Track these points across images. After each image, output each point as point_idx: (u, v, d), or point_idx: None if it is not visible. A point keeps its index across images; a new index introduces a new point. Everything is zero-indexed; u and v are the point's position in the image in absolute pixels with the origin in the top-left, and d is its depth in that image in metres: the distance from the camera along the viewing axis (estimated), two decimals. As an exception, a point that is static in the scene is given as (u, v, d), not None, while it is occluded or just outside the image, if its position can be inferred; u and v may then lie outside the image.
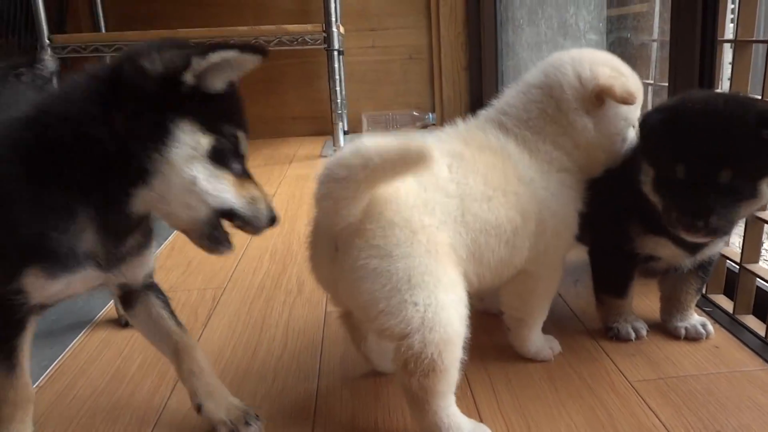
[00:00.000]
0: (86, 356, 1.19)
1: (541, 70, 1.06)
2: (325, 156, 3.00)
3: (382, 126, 3.58)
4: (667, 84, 1.35)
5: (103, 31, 3.43)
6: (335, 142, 2.99)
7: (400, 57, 3.56)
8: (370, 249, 0.81)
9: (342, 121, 3.04)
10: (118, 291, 0.94)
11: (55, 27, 3.17)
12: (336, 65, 2.92)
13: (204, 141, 0.78)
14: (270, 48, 2.85)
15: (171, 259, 1.69)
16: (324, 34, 2.84)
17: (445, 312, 0.81)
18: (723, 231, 0.94)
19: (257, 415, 0.93)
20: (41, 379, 1.11)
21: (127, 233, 0.83)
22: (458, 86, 3.52)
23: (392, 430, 0.93)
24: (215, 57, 0.77)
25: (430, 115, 3.57)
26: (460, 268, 0.89)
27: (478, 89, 3.39)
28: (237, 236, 1.87)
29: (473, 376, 1.04)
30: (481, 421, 0.92)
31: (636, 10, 1.70)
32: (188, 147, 0.77)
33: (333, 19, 2.83)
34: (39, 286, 0.78)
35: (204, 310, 1.36)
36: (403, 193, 0.85)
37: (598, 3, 1.92)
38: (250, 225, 0.83)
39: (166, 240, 1.83)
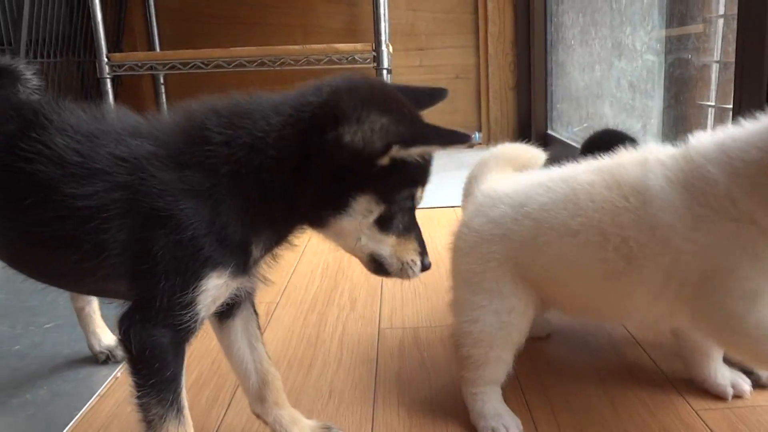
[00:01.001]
0: (145, 366, 1.21)
1: None
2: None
3: (428, 145, 3.59)
4: (731, 106, 1.32)
5: (158, 49, 3.52)
6: (382, 160, 3.00)
7: (447, 76, 3.57)
8: None
9: (389, 140, 3.05)
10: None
11: (112, 46, 3.27)
12: (385, 84, 2.94)
13: (376, 210, 0.80)
14: (319, 67, 2.90)
15: (224, 272, 1.71)
16: (373, 53, 2.87)
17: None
18: None
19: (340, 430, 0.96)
20: (102, 387, 1.13)
21: (281, 244, 0.87)
22: (505, 106, 3.52)
23: (451, 451, 0.92)
24: (417, 151, 0.77)
25: (477, 134, 3.57)
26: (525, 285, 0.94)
27: (527, 109, 3.38)
28: (287, 251, 1.88)
29: (532, 399, 1.03)
30: (542, 444, 0.90)
31: (696, 30, 1.68)
32: (360, 216, 0.79)
33: (383, 38, 2.86)
34: (216, 290, 0.78)
35: (261, 321, 1.37)
36: None
37: (656, 23, 1.90)
38: (398, 277, 0.86)
39: (218, 254, 1.86)
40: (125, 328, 0.75)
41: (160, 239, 0.73)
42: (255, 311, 0.95)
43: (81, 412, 1.05)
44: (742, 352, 0.87)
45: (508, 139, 3.56)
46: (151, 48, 3.53)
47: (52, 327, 1.40)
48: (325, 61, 2.89)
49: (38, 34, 2.91)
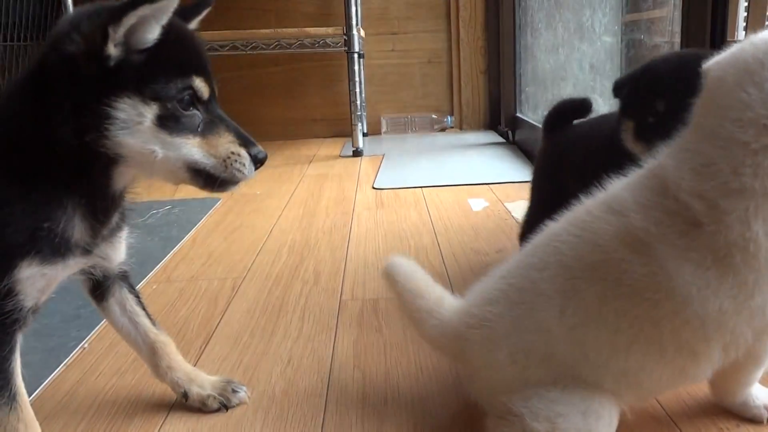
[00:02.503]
0: (111, 338, 1.24)
1: None
2: (344, 156, 3.06)
3: (401, 128, 3.63)
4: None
5: (131, 33, 3.52)
6: (354, 143, 3.04)
7: (419, 60, 3.61)
8: None
9: (361, 123, 3.09)
10: (89, 283, 0.92)
11: (85, 29, 3.26)
12: (356, 68, 2.97)
13: (147, 111, 0.74)
14: (291, 51, 2.93)
15: (193, 250, 1.75)
16: (344, 37, 2.90)
17: None
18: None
19: (240, 383, 0.99)
20: (69, 357, 1.17)
21: (110, 214, 0.82)
22: (477, 90, 3.57)
23: (401, 408, 0.97)
24: (131, 18, 0.71)
25: (449, 118, 3.62)
26: None
27: (497, 93, 3.43)
28: (257, 230, 1.92)
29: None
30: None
31: (653, 15, 1.73)
32: (134, 124, 0.73)
33: (354, 22, 2.89)
34: (33, 280, 0.75)
35: (224, 297, 1.41)
36: None
37: (613, 6, 1.95)
38: (232, 182, 0.81)
39: (188, 233, 1.89)
40: None
41: None
42: (131, 289, 0.96)
43: (47, 380, 1.09)
44: None
45: (480, 122, 3.62)
46: (124, 32, 3.53)
47: (22, 302, 1.43)
48: (296, 44, 2.92)
49: (8, 17, 2.90)
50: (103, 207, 0.79)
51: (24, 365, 1.14)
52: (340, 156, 3.09)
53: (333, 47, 2.93)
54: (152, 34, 0.73)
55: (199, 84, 0.78)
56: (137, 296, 0.98)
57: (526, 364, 0.79)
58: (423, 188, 2.33)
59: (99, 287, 0.93)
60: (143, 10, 0.71)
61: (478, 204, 2.07)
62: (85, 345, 1.22)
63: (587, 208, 0.81)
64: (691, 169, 0.72)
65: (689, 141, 0.75)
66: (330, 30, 2.92)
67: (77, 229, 0.77)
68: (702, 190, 0.70)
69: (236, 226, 1.96)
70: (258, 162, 0.82)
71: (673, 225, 0.72)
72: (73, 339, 1.24)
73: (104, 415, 0.99)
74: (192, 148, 0.77)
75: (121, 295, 0.95)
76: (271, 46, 2.92)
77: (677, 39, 1.59)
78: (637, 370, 0.76)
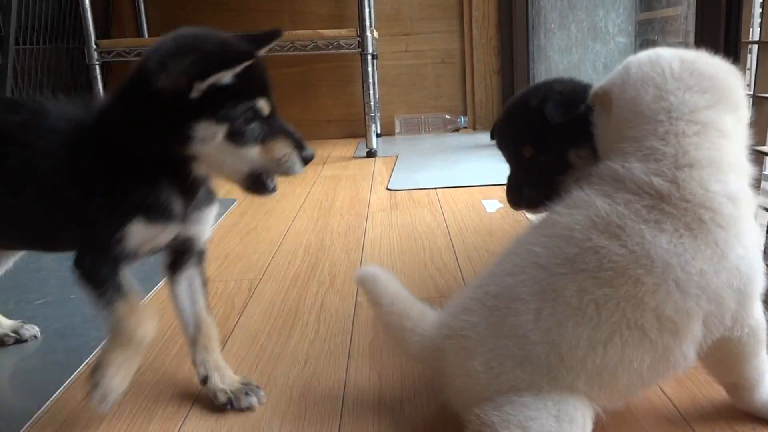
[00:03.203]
0: (131, 338, 1.26)
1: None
2: (358, 157, 3.07)
3: (414, 129, 3.64)
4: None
5: (146, 36, 3.56)
6: (368, 144, 3.05)
7: (432, 61, 3.62)
8: None
9: (375, 124, 3.10)
10: (170, 257, 1.07)
11: (101, 33, 3.30)
12: (369, 69, 2.98)
13: (219, 131, 0.92)
14: (305, 52, 2.94)
15: (210, 251, 1.76)
16: (358, 39, 2.91)
17: None
18: (542, 201, 0.96)
19: (259, 388, 1.04)
20: (90, 357, 1.19)
21: (195, 191, 1.01)
22: (490, 90, 3.57)
23: (416, 410, 0.98)
24: (212, 80, 0.88)
25: (462, 118, 3.62)
26: None
27: (510, 92, 3.42)
28: (272, 231, 1.94)
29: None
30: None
31: (666, 14, 1.73)
32: (208, 140, 0.92)
33: (367, 23, 2.90)
34: (138, 234, 0.96)
35: (240, 298, 1.43)
36: None
37: (627, 6, 1.95)
38: (286, 175, 0.98)
39: (204, 234, 1.91)
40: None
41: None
42: (201, 271, 1.10)
43: (70, 378, 1.11)
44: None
45: (493, 122, 3.61)
46: (140, 34, 3.57)
47: (43, 303, 1.45)
48: (310, 46, 2.94)
49: (27, 20, 2.94)
50: (189, 187, 0.99)
51: (47, 364, 1.18)
52: (353, 157, 3.10)
53: (347, 48, 2.95)
54: (228, 80, 0.91)
55: (262, 104, 0.95)
56: (204, 281, 1.10)
57: (501, 370, 0.81)
58: (437, 189, 2.34)
59: (176, 263, 1.08)
60: (224, 73, 0.89)
61: (492, 205, 2.08)
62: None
63: (550, 214, 0.86)
64: (637, 159, 0.81)
65: (614, 145, 0.84)
66: (344, 32, 2.93)
67: (174, 203, 0.98)
68: (656, 170, 0.79)
69: (252, 228, 1.98)
70: (306, 160, 0.98)
71: (641, 200, 0.78)
72: (94, 339, 1.26)
73: (125, 414, 1.01)
74: (253, 157, 0.95)
75: (192, 272, 1.09)
76: (286, 48, 2.94)
77: (691, 38, 1.59)
78: (615, 365, 0.77)
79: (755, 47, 1.34)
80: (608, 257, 0.77)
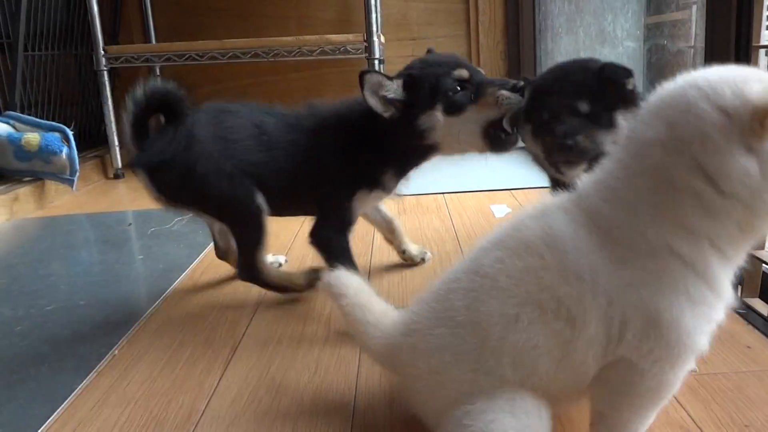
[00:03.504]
0: (141, 345, 1.27)
1: (656, 119, 0.73)
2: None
3: (421, 133, 3.64)
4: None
5: (153, 41, 3.57)
6: (375, 148, 3.05)
7: (439, 66, 3.61)
8: None
9: (382, 128, 3.10)
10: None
11: (109, 38, 3.31)
12: (377, 74, 2.98)
13: (439, 112, 1.23)
14: (312, 57, 2.94)
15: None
16: (365, 44, 2.91)
17: None
18: (589, 152, 1.10)
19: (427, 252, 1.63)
20: (100, 364, 1.19)
21: (409, 175, 1.39)
22: (497, 94, 3.56)
23: (428, 417, 0.97)
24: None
25: (469, 122, 3.62)
26: None
27: (517, 97, 3.42)
28: (281, 237, 1.93)
29: None
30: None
31: (674, 18, 1.72)
32: (434, 125, 1.23)
33: (374, 29, 2.90)
34: (360, 202, 1.34)
35: (250, 304, 1.43)
36: None
37: (636, 10, 1.94)
38: (510, 113, 1.20)
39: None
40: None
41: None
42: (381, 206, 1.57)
43: (79, 386, 1.11)
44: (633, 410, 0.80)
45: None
46: (147, 40, 3.58)
47: (52, 309, 1.46)
48: (317, 51, 2.94)
49: (36, 27, 2.95)
50: (408, 171, 1.37)
51: (57, 370, 1.18)
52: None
53: (354, 54, 2.95)
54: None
55: (458, 72, 1.21)
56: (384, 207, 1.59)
57: (442, 368, 0.82)
58: (444, 194, 2.34)
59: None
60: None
61: (500, 210, 2.07)
62: (116, 352, 1.24)
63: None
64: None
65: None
66: (351, 37, 2.93)
67: (389, 181, 1.35)
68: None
69: (260, 233, 1.98)
70: (514, 89, 1.20)
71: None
72: (104, 345, 1.26)
73: (135, 422, 1.01)
74: (473, 114, 1.21)
75: (380, 206, 1.58)
76: (293, 53, 2.94)
77: (701, 43, 1.59)
78: (527, 346, 0.77)
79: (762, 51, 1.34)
80: (526, 232, 0.80)
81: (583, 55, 2.47)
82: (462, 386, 0.80)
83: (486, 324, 0.79)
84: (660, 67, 1.78)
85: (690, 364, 0.78)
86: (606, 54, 2.19)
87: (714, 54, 1.31)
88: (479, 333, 0.79)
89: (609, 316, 0.74)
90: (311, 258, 1.71)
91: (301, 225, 2.03)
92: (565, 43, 2.73)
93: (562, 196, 0.81)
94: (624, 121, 1.10)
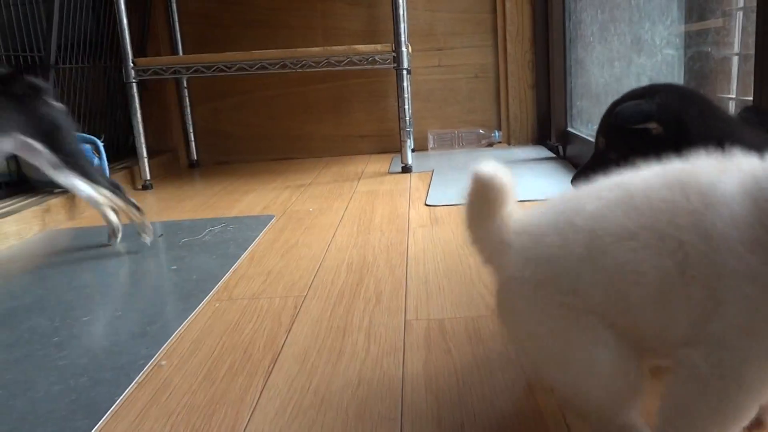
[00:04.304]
0: (180, 356, 1.25)
1: None
2: (393, 172, 3.06)
3: (447, 144, 3.62)
4: (751, 98, 1.34)
5: (181, 53, 3.59)
6: (403, 159, 3.04)
7: (465, 76, 3.60)
8: None
9: (410, 139, 3.08)
10: None
11: (137, 51, 3.34)
12: (405, 84, 2.97)
13: None
14: (340, 68, 2.94)
15: (252, 268, 1.76)
16: (393, 54, 2.90)
17: None
18: None
19: None
20: (140, 375, 1.17)
21: None
22: (525, 104, 3.53)
23: (479, 433, 0.95)
24: None
25: (497, 132, 3.59)
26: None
27: (546, 107, 3.39)
28: (313, 247, 1.92)
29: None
30: (568, 429, 0.93)
31: (717, 25, 1.69)
32: None
33: (402, 38, 2.89)
34: None
35: (287, 316, 1.41)
36: None
37: (675, 18, 1.91)
38: None
39: (245, 251, 1.90)
40: None
41: None
42: None
43: (121, 397, 1.10)
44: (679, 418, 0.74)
45: (529, 137, 3.59)
46: (174, 52, 3.60)
47: (89, 320, 1.45)
48: (345, 62, 2.93)
49: (67, 40, 2.98)
50: None
51: (97, 382, 1.16)
52: (388, 172, 3.09)
53: (381, 64, 2.94)
54: None
55: None
56: None
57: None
58: (476, 205, 2.30)
59: None
60: None
61: (535, 220, 2.04)
62: (162, 362, 1.22)
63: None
64: None
65: None
66: (379, 47, 2.93)
67: None
68: None
69: (292, 244, 1.97)
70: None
71: None
72: (143, 357, 1.24)
73: (179, 435, 0.99)
74: None
75: None
76: (321, 64, 2.94)
77: (747, 50, 1.55)
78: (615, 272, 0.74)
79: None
80: (691, 174, 0.74)
81: (617, 64, 2.44)
82: (553, 306, 0.78)
83: (601, 233, 0.75)
84: (703, 74, 1.74)
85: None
86: (642, 63, 2.16)
87: (765, 60, 1.27)
88: (589, 238, 0.76)
89: (717, 296, 0.69)
90: (345, 271, 1.70)
91: (333, 236, 2.01)
92: (597, 52, 2.70)
93: (747, 173, 0.72)
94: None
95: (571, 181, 1.13)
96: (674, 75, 1.91)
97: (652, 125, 1.01)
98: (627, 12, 2.32)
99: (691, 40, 1.80)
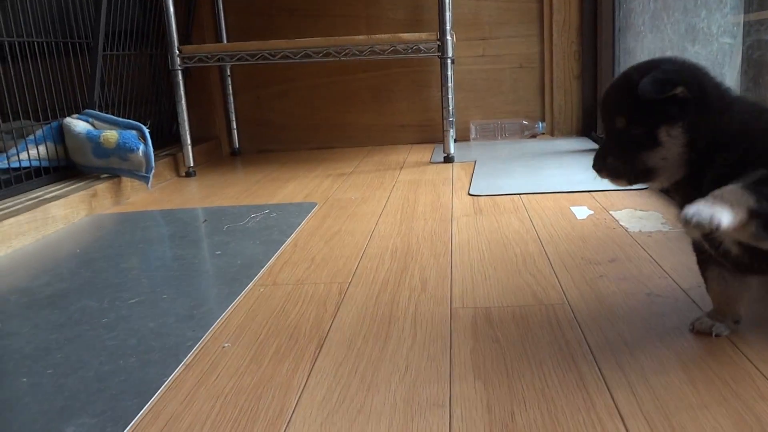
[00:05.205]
0: (226, 340, 1.26)
1: None
2: (435, 162, 3.03)
3: (490, 135, 3.58)
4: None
5: (225, 41, 3.61)
6: (446, 149, 3.01)
7: (510, 66, 3.55)
8: None
9: (452, 129, 3.06)
10: None
11: (182, 39, 3.37)
12: (449, 73, 2.94)
13: None
14: (384, 57, 2.93)
15: (296, 254, 1.76)
16: (438, 43, 2.88)
17: None
18: (622, 173, 1.06)
19: None
20: (187, 357, 1.18)
21: None
22: (570, 95, 3.47)
23: (529, 422, 0.93)
24: None
25: (540, 124, 3.54)
26: None
27: (591, 98, 3.33)
28: (356, 235, 1.92)
29: (610, 375, 1.03)
30: (621, 419, 0.91)
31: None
32: None
33: (447, 27, 2.86)
34: None
35: (332, 302, 1.41)
36: None
37: (734, 6, 1.85)
38: None
39: (288, 237, 1.91)
40: None
41: None
42: None
43: (169, 378, 1.11)
44: None
45: (573, 129, 3.53)
46: (219, 40, 3.63)
47: (136, 302, 1.46)
48: (389, 50, 2.92)
49: (114, 28, 3.02)
50: None
51: (145, 362, 1.18)
52: (430, 162, 3.07)
53: (426, 53, 2.92)
54: None
55: None
56: None
57: None
58: (521, 195, 2.28)
59: None
60: None
61: (582, 212, 2.00)
62: (226, 344, 1.23)
63: None
64: None
65: None
66: (424, 35, 2.90)
67: None
68: None
69: (335, 231, 1.96)
70: None
71: None
72: (190, 339, 1.25)
73: (227, 417, 0.99)
74: None
75: None
76: (364, 52, 2.93)
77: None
78: None
79: None
80: None
81: (670, 54, 2.37)
82: None
83: None
84: (762, 63, 1.68)
85: None
86: (697, 51, 2.10)
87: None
88: None
89: None
90: (389, 259, 1.69)
91: (376, 223, 2.01)
92: (648, 41, 2.63)
93: None
94: (669, 136, 1.01)
95: (593, 166, 1.10)
96: (731, 64, 1.85)
97: (679, 90, 1.00)
98: (681, 1, 2.25)
99: (751, 28, 1.74)
